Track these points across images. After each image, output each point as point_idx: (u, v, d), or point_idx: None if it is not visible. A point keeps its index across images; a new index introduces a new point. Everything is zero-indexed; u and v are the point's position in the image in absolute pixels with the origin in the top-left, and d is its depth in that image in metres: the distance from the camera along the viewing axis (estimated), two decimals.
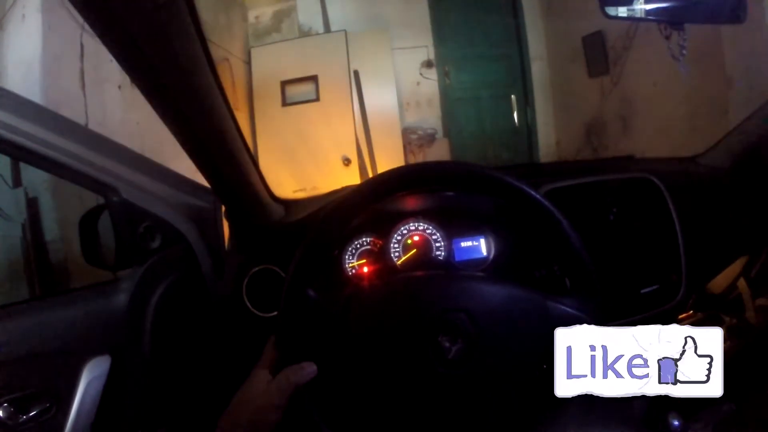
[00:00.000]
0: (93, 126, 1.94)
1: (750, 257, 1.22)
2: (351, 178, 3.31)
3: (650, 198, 1.02)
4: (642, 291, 0.99)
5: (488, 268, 0.99)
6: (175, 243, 0.99)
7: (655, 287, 0.99)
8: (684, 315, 1.29)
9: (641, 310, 0.98)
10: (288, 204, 1.07)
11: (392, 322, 0.68)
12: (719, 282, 1.27)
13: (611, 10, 1.03)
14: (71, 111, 1.91)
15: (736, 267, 1.22)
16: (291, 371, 0.68)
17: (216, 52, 3.06)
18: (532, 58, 4.42)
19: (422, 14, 4.33)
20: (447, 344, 0.66)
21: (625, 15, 1.03)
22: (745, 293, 1.27)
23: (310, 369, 0.68)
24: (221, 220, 1.04)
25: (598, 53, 3.63)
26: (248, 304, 0.97)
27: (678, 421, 0.96)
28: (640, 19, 1.01)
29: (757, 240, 1.17)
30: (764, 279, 1.25)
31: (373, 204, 0.72)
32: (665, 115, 2.98)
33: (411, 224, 0.99)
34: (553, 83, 4.42)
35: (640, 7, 1.01)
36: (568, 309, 0.67)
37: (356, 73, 3.38)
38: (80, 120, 1.95)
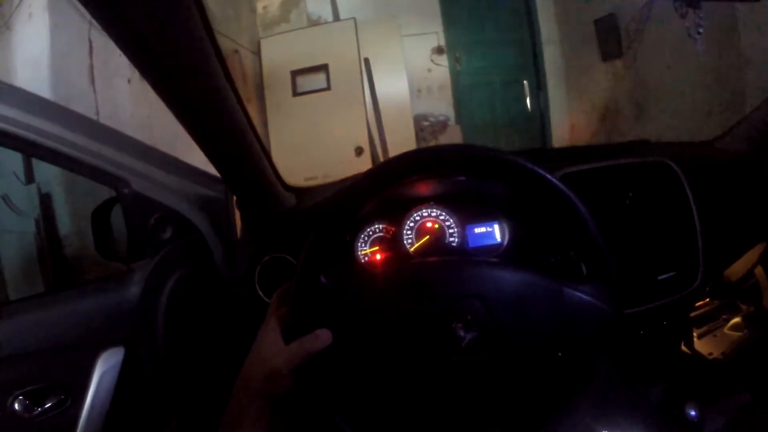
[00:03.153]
0: (103, 120, 1.96)
1: None
2: (363, 166, 3.30)
3: (667, 183, 1.00)
4: (659, 277, 0.97)
5: (502, 254, 0.97)
6: (186, 234, 0.99)
7: (672, 274, 0.98)
8: (701, 302, 1.28)
9: (658, 296, 0.97)
10: (299, 192, 1.06)
11: (405, 310, 0.67)
12: (736, 269, 1.25)
13: None
14: (81, 106, 1.91)
15: (753, 254, 1.20)
16: (305, 339, 0.67)
17: (225, 44, 3.06)
18: (543, 43, 4.37)
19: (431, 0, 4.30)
20: (461, 332, 0.65)
21: None
22: (762, 280, 1.25)
23: (324, 337, 0.67)
24: (233, 209, 1.04)
25: (610, 36, 3.59)
26: (260, 293, 0.97)
27: (695, 411, 0.95)
28: None
29: None
30: None
31: (384, 189, 0.71)
32: (680, 99, 2.94)
33: (424, 210, 0.98)
34: (566, 67, 4.36)
35: None
36: (584, 296, 0.66)
37: (367, 60, 3.35)
38: (91, 114, 1.96)
